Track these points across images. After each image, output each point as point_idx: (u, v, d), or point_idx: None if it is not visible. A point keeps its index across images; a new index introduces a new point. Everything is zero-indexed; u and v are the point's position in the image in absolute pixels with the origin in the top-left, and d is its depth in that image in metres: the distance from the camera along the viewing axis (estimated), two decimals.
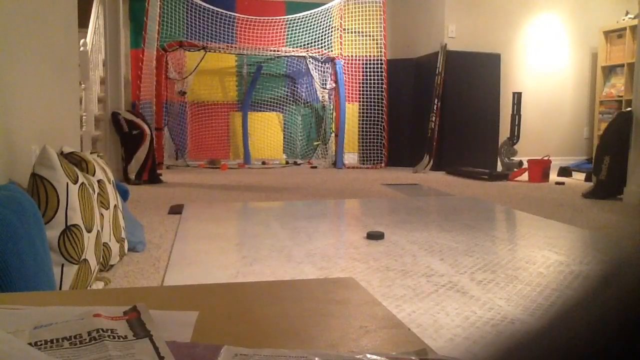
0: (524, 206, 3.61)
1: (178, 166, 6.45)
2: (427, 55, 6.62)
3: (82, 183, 1.62)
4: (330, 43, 6.89)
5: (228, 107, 6.92)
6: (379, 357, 0.43)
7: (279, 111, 7.04)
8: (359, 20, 6.92)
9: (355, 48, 6.95)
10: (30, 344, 0.44)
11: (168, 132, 6.44)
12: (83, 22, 3.63)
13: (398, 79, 6.91)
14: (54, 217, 1.48)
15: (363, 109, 6.96)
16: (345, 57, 6.90)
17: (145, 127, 4.95)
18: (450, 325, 1.42)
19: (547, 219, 3.10)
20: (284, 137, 7.08)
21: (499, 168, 5.94)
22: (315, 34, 6.84)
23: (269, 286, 0.72)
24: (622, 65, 6.49)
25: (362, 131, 6.97)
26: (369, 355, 0.44)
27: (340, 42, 6.91)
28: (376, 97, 6.90)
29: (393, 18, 7.17)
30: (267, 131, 6.99)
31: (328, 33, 6.88)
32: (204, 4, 6.44)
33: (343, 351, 0.47)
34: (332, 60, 6.81)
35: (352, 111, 6.94)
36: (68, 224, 1.50)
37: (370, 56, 6.94)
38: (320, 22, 6.84)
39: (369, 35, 6.95)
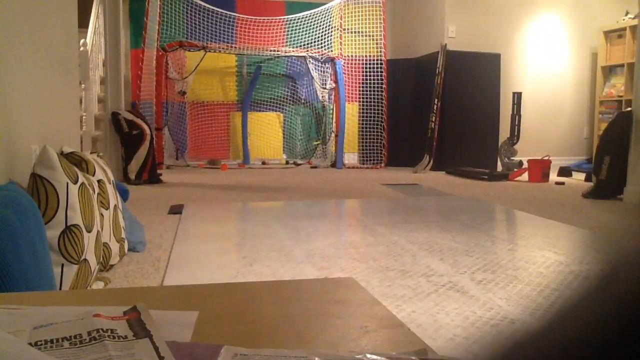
0: (524, 206, 3.61)
1: (178, 166, 6.45)
2: (427, 55, 6.62)
3: (82, 183, 1.62)
4: (330, 43, 6.89)
5: (228, 107, 6.92)
6: (379, 357, 0.43)
7: (279, 111, 7.03)
8: (359, 20, 6.92)
9: (355, 48, 6.95)
10: (30, 344, 0.44)
11: (168, 132, 6.44)
12: (83, 22, 3.63)
13: (398, 79, 6.90)
14: (54, 217, 1.48)
15: (363, 109, 6.96)
16: (345, 57, 6.90)
17: (145, 127, 4.95)
18: (450, 325, 1.42)
19: (547, 219, 3.10)
20: (284, 137, 7.07)
21: (499, 168, 5.94)
22: (315, 34, 6.84)
23: (268, 286, 0.72)
24: (622, 65, 6.49)
25: (362, 131, 6.97)
26: (369, 355, 0.44)
27: (340, 42, 6.91)
28: (376, 97, 6.90)
29: (393, 18, 7.17)
30: (267, 131, 6.98)
31: (328, 33, 6.88)
32: (204, 4, 6.44)
33: (343, 351, 0.47)
34: (332, 60, 6.81)
35: (352, 111, 6.94)
36: (68, 224, 1.50)
37: (370, 56, 6.94)
38: (320, 22, 6.84)
39: (369, 35, 6.94)
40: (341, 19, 6.90)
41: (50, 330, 0.46)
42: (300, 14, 6.79)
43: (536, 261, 2.12)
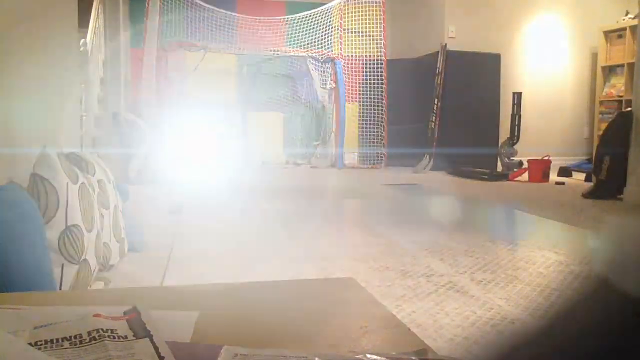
0: (524, 206, 3.61)
1: None
2: (427, 55, 6.62)
3: (82, 183, 1.62)
4: (330, 43, 6.88)
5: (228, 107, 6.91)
6: (379, 357, 0.43)
7: (279, 111, 7.03)
8: (359, 20, 6.92)
9: (355, 48, 6.95)
10: (30, 344, 0.44)
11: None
12: (83, 22, 3.63)
13: (398, 79, 6.90)
14: (54, 217, 1.48)
15: (363, 109, 6.95)
16: (345, 57, 6.90)
17: (145, 127, 4.95)
18: (450, 325, 1.42)
19: (547, 219, 3.10)
20: (284, 137, 7.07)
21: (499, 168, 5.94)
22: (315, 34, 6.83)
23: (269, 286, 0.72)
24: (622, 65, 6.49)
25: (362, 131, 6.96)
26: (369, 355, 0.44)
27: (340, 42, 6.91)
28: (376, 97, 6.89)
29: (393, 18, 7.16)
30: (267, 131, 6.98)
31: (328, 33, 6.87)
32: (204, 4, 6.43)
33: (343, 351, 0.47)
34: (332, 60, 6.80)
35: (352, 111, 6.94)
36: (68, 224, 1.50)
37: (370, 56, 6.93)
38: (320, 22, 6.84)
39: (369, 35, 6.94)
40: (341, 19, 6.90)
41: (50, 330, 0.46)
42: (300, 14, 6.78)
43: (536, 261, 2.11)
